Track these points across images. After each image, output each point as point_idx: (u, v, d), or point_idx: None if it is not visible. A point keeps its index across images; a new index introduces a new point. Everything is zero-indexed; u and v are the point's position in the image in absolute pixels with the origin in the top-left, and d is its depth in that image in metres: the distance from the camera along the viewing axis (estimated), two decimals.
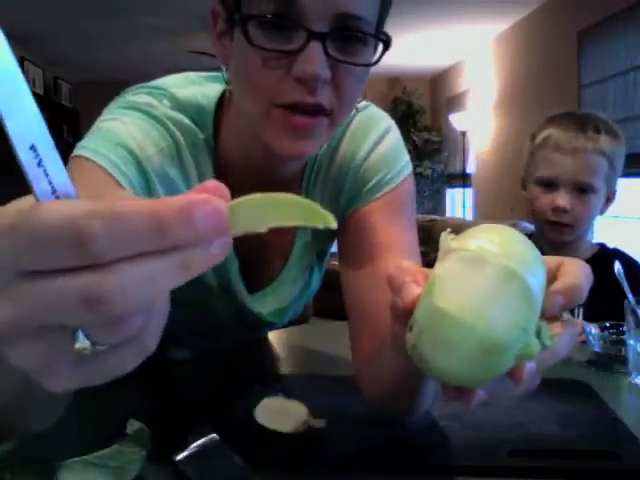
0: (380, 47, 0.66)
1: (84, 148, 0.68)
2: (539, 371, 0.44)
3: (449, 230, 0.45)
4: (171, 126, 0.72)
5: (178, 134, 0.72)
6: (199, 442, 0.60)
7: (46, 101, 6.29)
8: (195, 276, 0.27)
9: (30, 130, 0.26)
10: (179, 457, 0.59)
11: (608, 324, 1.01)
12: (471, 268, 0.41)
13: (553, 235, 1.31)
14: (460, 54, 6.36)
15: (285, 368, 1.05)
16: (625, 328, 0.93)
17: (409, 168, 0.82)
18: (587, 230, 1.34)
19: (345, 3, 0.60)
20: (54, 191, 0.26)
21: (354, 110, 0.71)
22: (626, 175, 3.44)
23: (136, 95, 0.75)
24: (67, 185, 0.27)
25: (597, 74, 3.89)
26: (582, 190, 1.26)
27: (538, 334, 0.42)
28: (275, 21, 0.60)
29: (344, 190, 0.81)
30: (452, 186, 7.02)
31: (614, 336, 0.98)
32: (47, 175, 0.26)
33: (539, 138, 1.31)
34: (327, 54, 0.61)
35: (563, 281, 0.45)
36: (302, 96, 0.61)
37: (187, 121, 0.73)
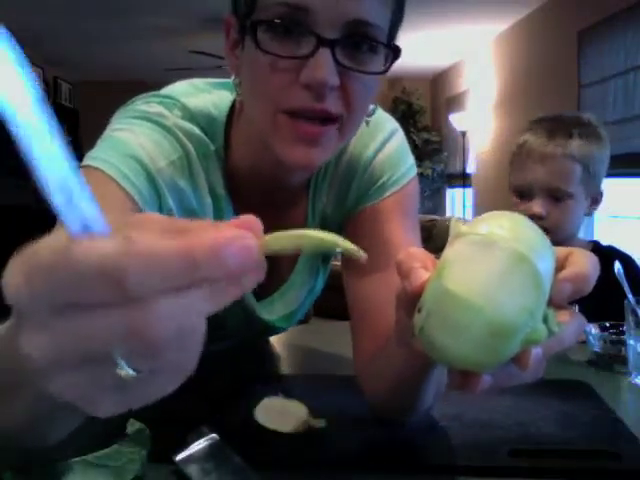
0: (390, 57, 0.65)
1: (95, 158, 0.67)
2: (545, 358, 0.44)
3: (459, 216, 0.45)
4: (182, 137, 0.72)
5: (189, 145, 0.72)
6: (199, 442, 0.60)
7: (46, 101, 6.29)
8: (228, 304, 0.29)
9: (58, 170, 0.26)
10: (179, 457, 0.59)
11: (608, 324, 1.01)
12: (481, 251, 0.41)
13: None
14: (460, 54, 6.36)
15: (285, 368, 1.05)
16: (625, 328, 0.93)
17: (414, 170, 0.83)
18: (574, 232, 1.33)
19: (356, 10, 0.59)
20: (86, 227, 0.27)
21: (364, 120, 0.69)
22: (626, 175, 3.45)
23: (147, 104, 0.74)
24: (98, 219, 0.27)
25: (597, 74, 3.89)
26: (557, 197, 1.26)
27: (545, 320, 0.42)
28: (284, 26, 0.60)
29: (350, 191, 0.81)
30: (452, 186, 7.02)
31: (614, 336, 0.98)
32: (78, 211, 0.27)
33: (515, 145, 1.33)
34: (336, 61, 0.60)
35: (571, 269, 0.45)
36: (309, 102, 0.61)
37: (198, 131, 0.73)
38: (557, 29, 4.47)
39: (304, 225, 0.82)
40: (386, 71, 0.65)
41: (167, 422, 0.66)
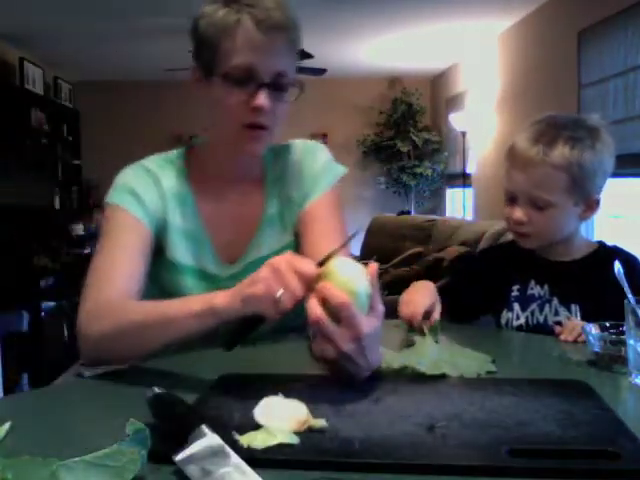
0: (299, 87, 1.09)
1: (114, 197, 1.13)
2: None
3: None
4: (155, 170, 1.17)
5: (159, 173, 1.17)
6: (199, 442, 0.60)
7: (46, 101, 6.28)
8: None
9: None
10: (179, 457, 0.59)
11: (608, 324, 1.01)
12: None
13: (520, 243, 1.31)
14: (460, 54, 6.36)
15: (285, 368, 1.05)
16: (625, 328, 0.93)
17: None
18: (563, 236, 1.29)
19: (278, 66, 1.04)
20: None
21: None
22: (626, 175, 3.43)
23: (144, 160, 1.20)
24: None
25: (597, 74, 3.89)
26: (540, 207, 1.23)
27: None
28: (241, 78, 1.04)
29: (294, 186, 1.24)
30: (452, 186, 7.02)
31: (614, 336, 0.98)
32: None
33: (507, 148, 1.29)
34: (269, 95, 1.04)
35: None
36: (256, 119, 1.06)
37: (166, 162, 1.19)
38: (557, 29, 4.47)
39: (262, 211, 1.19)
40: (296, 98, 1.09)
41: (167, 422, 0.66)
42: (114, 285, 1.02)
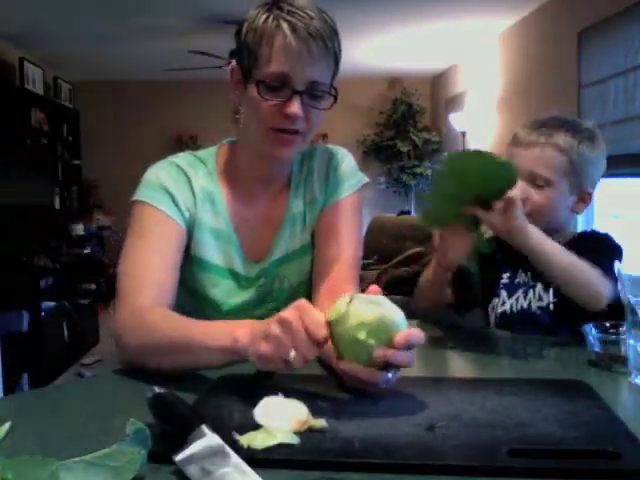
0: (332, 97, 1.10)
1: (145, 196, 1.12)
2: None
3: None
4: (186, 168, 1.18)
5: (191, 171, 1.19)
6: (199, 442, 0.60)
7: (46, 101, 6.28)
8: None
9: None
10: (179, 457, 0.59)
11: (608, 324, 1.01)
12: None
13: None
14: (460, 54, 6.36)
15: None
16: (625, 328, 0.93)
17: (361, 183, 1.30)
18: (558, 223, 1.34)
19: (313, 75, 1.05)
20: None
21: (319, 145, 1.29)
22: (626, 175, 3.44)
23: (174, 157, 1.21)
24: None
25: (597, 74, 3.89)
26: (539, 185, 1.29)
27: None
28: (275, 83, 1.05)
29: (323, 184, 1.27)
30: None
31: (614, 336, 0.98)
32: None
33: (511, 138, 1.38)
34: (302, 102, 1.05)
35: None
36: (288, 125, 1.07)
37: (197, 160, 1.22)
38: (558, 29, 4.47)
39: (286, 210, 1.22)
40: (330, 107, 1.10)
41: (167, 422, 0.66)
42: (147, 293, 1.03)
